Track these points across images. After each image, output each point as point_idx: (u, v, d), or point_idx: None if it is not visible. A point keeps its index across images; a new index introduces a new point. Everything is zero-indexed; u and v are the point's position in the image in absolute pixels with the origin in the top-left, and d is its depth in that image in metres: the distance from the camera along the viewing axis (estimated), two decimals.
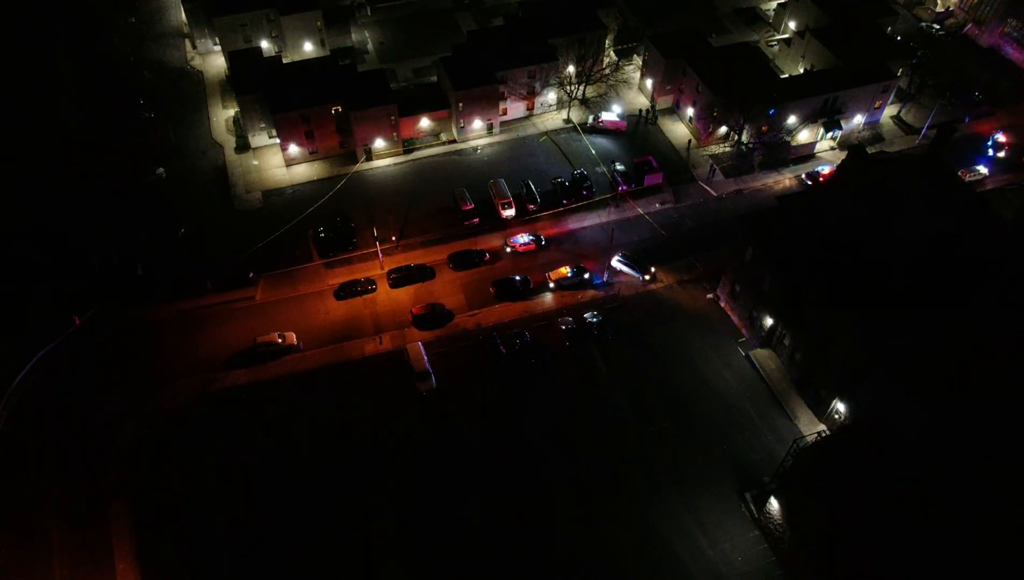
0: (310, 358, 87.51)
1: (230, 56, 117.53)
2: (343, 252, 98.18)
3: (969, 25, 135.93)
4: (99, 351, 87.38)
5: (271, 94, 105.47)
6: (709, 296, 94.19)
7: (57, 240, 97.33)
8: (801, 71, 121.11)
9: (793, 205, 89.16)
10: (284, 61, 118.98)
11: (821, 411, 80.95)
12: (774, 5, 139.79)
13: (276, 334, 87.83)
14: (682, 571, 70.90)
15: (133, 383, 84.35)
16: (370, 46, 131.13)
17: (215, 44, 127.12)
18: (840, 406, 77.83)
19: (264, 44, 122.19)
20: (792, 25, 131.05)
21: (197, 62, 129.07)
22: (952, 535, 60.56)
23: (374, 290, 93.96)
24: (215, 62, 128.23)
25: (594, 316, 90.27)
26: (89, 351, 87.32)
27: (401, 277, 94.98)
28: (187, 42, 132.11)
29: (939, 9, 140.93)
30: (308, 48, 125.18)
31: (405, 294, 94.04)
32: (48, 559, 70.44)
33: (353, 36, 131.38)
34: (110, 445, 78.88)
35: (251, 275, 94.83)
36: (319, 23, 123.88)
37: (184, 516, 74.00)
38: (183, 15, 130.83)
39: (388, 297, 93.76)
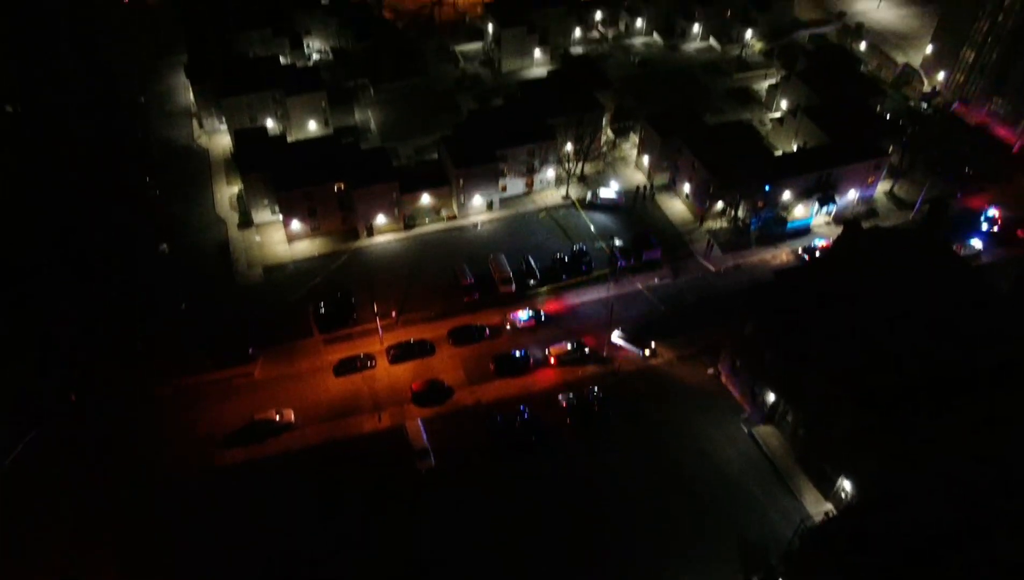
0: (308, 435, 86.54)
1: (236, 134, 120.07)
2: (343, 328, 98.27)
3: (956, 103, 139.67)
4: (96, 427, 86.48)
5: (275, 173, 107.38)
6: (710, 371, 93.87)
7: (58, 314, 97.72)
8: (795, 148, 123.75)
9: (791, 280, 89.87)
10: (288, 140, 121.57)
11: (827, 489, 79.62)
12: (766, 86, 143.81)
13: (274, 411, 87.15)
14: None
15: (129, 459, 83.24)
16: (373, 125, 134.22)
17: (221, 123, 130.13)
18: (846, 484, 76.64)
19: (269, 123, 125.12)
20: (784, 104, 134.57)
21: (203, 140, 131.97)
22: None
23: (373, 366, 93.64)
24: (221, 140, 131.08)
25: (594, 392, 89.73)
26: (86, 427, 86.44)
27: (401, 353, 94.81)
28: (194, 121, 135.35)
29: (926, 89, 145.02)
30: (312, 127, 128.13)
31: (405, 370, 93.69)
32: None
33: (356, 115, 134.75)
34: (105, 519, 77.61)
35: (250, 351, 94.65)
36: (323, 103, 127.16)
37: None
38: (191, 95, 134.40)
39: (388, 373, 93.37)
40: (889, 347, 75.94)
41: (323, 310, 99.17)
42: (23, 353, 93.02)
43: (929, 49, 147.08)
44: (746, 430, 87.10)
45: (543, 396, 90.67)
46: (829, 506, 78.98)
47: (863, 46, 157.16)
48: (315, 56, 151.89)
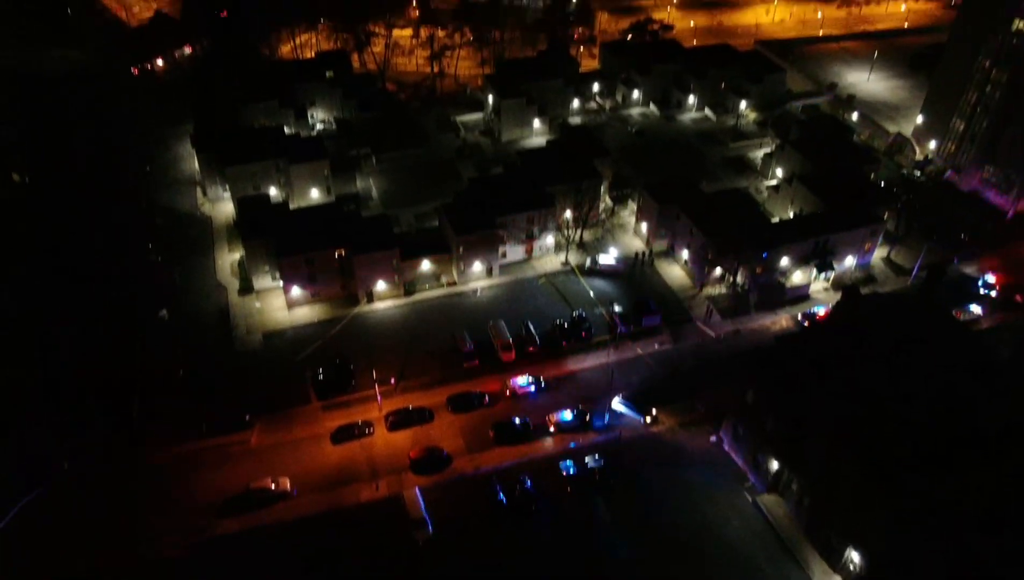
0: (304, 504, 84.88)
1: (239, 202, 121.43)
2: (342, 394, 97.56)
3: (949, 172, 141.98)
4: (87, 495, 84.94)
5: (277, 239, 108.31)
6: (712, 438, 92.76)
7: (54, 379, 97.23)
8: (791, 215, 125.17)
9: (792, 346, 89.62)
10: (291, 207, 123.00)
11: (835, 561, 77.63)
12: (761, 154, 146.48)
13: (269, 479, 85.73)
14: None
15: (120, 529, 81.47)
16: (374, 193, 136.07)
17: (225, 191, 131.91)
18: (854, 555, 74.79)
19: (272, 191, 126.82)
20: (779, 172, 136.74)
21: (207, 208, 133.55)
22: None
23: (371, 433, 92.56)
24: (224, 208, 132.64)
25: (596, 460, 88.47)
26: (77, 495, 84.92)
27: (399, 420, 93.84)
28: (198, 189, 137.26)
29: (918, 157, 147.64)
30: (315, 195, 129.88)
31: (403, 437, 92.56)
32: None
33: (359, 183, 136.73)
34: None
35: (247, 418, 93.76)
36: (326, 172, 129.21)
37: None
38: (196, 164, 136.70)
39: (386, 440, 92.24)
40: (893, 413, 75.26)
41: (321, 376, 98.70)
42: (16, 419, 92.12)
43: (920, 119, 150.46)
44: (750, 499, 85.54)
45: (543, 464, 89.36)
46: (838, 578, 76.92)
47: (855, 116, 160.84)
48: (319, 126, 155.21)
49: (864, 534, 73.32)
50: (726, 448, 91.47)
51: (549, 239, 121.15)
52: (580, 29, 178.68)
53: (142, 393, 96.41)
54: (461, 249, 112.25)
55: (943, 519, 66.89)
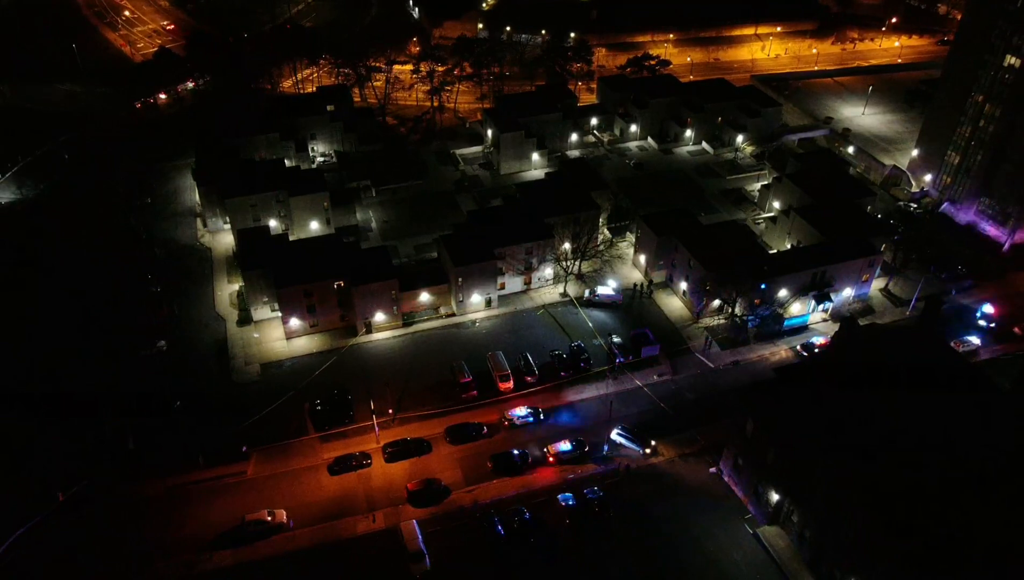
0: (300, 537, 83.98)
1: (239, 234, 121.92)
2: (339, 426, 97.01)
3: (945, 204, 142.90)
4: (82, 528, 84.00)
5: (276, 270, 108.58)
6: (712, 470, 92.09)
7: (50, 409, 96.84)
8: (788, 246, 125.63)
9: (791, 377, 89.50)
10: (291, 239, 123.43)
11: None
12: (758, 187, 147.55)
13: (266, 512, 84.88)
14: None
15: (112, 564, 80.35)
16: (374, 224, 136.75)
17: (225, 223, 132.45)
18: None
19: (272, 223, 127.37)
20: (776, 204, 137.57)
21: (207, 239, 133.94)
22: None
23: (369, 465, 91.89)
24: (224, 239, 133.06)
25: (595, 492, 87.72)
26: (72, 528, 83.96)
27: (397, 451, 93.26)
28: (199, 221, 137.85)
29: (914, 189, 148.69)
30: (314, 226, 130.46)
31: (401, 469, 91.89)
32: None
33: (358, 215, 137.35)
34: None
35: (244, 449, 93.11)
36: (326, 204, 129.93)
37: None
38: (197, 196, 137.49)
39: (383, 472, 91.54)
40: (893, 445, 74.89)
41: (319, 407, 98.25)
42: (10, 449, 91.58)
43: (915, 152, 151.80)
44: (750, 530, 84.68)
45: (542, 495, 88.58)
46: None
47: (851, 149, 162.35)
48: (319, 159, 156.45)
49: (867, 568, 72.40)
50: (726, 479, 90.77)
51: (548, 270, 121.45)
52: (578, 64, 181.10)
53: (139, 424, 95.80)
54: (460, 280, 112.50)
55: (947, 555, 66.16)
